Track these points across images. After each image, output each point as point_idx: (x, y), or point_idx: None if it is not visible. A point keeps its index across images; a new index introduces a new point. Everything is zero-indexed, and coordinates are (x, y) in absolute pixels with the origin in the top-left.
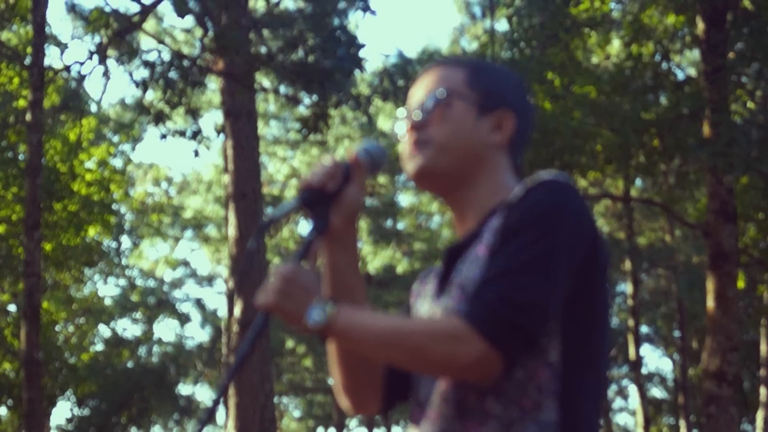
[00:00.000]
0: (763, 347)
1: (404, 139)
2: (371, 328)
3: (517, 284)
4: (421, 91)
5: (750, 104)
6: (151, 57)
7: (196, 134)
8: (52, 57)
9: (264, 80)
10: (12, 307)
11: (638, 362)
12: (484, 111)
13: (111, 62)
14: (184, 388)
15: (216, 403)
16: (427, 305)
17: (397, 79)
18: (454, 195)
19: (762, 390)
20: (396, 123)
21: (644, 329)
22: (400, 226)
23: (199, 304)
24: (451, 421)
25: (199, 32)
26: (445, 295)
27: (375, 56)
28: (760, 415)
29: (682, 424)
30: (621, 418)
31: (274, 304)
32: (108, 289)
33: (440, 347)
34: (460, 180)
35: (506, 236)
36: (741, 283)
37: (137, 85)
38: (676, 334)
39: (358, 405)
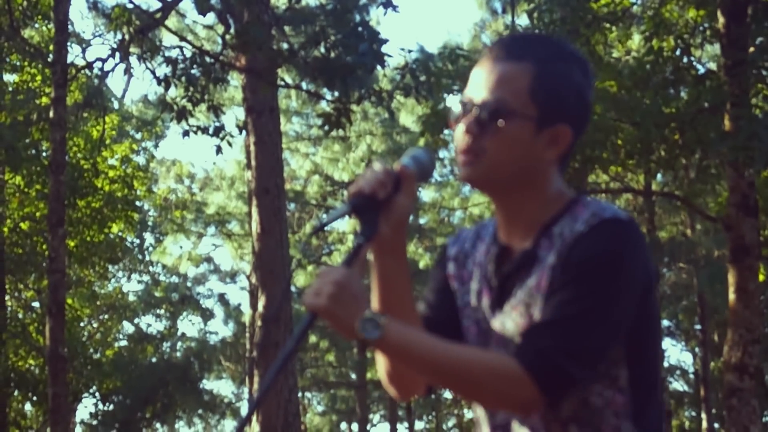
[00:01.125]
0: None
1: (457, 125)
2: (425, 351)
3: (572, 332)
4: (484, 85)
5: None
6: (173, 54)
7: (218, 131)
8: (74, 54)
9: (286, 76)
10: (36, 304)
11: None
12: (542, 126)
13: (133, 59)
14: (207, 384)
15: (259, 400)
16: (479, 311)
17: (418, 75)
18: (502, 200)
19: None
20: (452, 102)
21: (665, 323)
22: (423, 221)
23: (222, 299)
24: None
25: (220, 29)
26: (502, 313)
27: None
28: None
29: (704, 417)
30: None
31: (325, 309)
32: (132, 286)
33: (495, 386)
34: (511, 190)
35: (566, 278)
36: (762, 277)
37: (159, 82)
38: (698, 327)
39: (404, 392)
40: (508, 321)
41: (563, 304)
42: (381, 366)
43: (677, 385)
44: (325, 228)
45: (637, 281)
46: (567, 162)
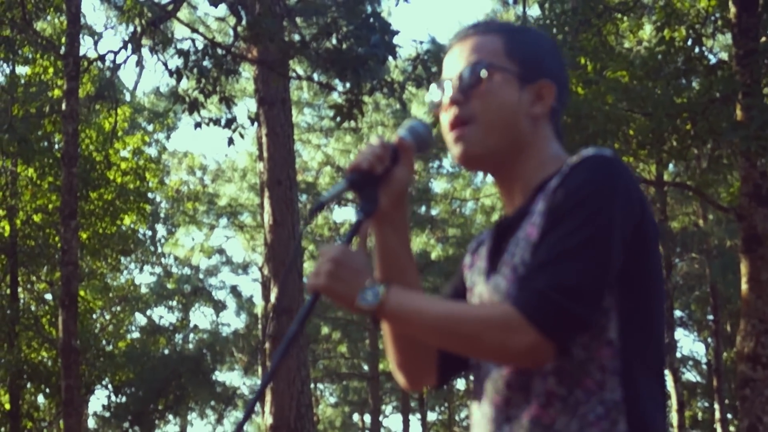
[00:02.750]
0: None
1: (443, 112)
2: (424, 312)
3: (566, 269)
4: (457, 61)
5: None
6: (185, 46)
7: (230, 122)
8: (86, 47)
9: (298, 68)
10: (49, 296)
11: (672, 346)
12: (524, 82)
13: (145, 51)
14: (220, 375)
15: (264, 383)
16: (479, 282)
17: (430, 66)
18: (500, 171)
19: None
20: (430, 92)
21: (678, 313)
22: (434, 212)
23: (234, 291)
24: (518, 405)
25: (232, 20)
26: (497, 275)
27: (408, 43)
28: None
29: (717, 407)
30: None
31: (324, 286)
32: (144, 277)
33: (493, 336)
34: (507, 156)
35: (554, 218)
36: None
37: (171, 73)
38: (710, 317)
39: (413, 381)
40: (500, 279)
41: (554, 242)
42: (391, 354)
43: (690, 375)
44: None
45: (626, 215)
46: (558, 121)
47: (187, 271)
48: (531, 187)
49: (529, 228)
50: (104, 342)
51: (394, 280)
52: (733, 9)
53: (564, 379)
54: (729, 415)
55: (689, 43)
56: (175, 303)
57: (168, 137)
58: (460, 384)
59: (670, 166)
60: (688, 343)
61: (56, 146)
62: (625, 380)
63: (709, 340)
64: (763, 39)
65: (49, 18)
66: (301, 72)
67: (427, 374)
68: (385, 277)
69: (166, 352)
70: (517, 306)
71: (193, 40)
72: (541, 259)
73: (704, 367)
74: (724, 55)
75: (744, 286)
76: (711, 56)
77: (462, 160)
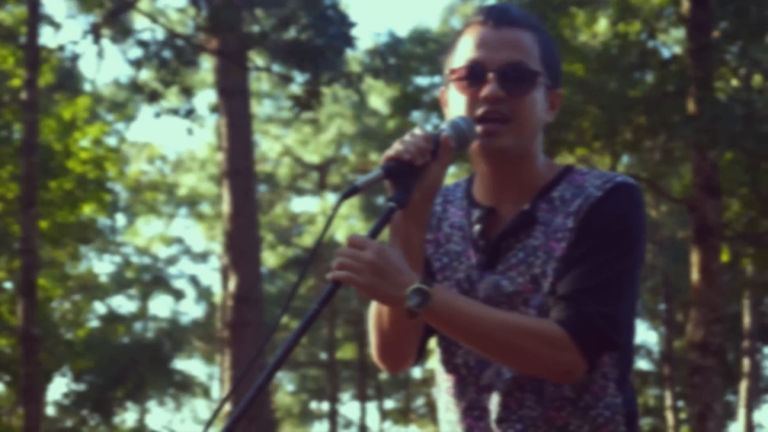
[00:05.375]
0: (746, 319)
1: (467, 92)
2: (472, 317)
3: (611, 299)
4: (500, 50)
5: (734, 82)
6: (145, 36)
7: (189, 113)
8: (46, 36)
9: (257, 59)
10: (8, 285)
11: None
12: (548, 90)
13: (105, 42)
14: (179, 363)
15: (279, 360)
16: (464, 271)
17: (387, 58)
18: (505, 167)
19: (745, 361)
20: (457, 60)
21: None
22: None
23: (193, 280)
24: (532, 407)
25: (192, 11)
26: (496, 274)
27: (366, 35)
28: (743, 386)
29: (668, 394)
30: None
31: (367, 285)
32: (103, 266)
33: (542, 352)
34: (519, 157)
35: (593, 242)
36: (725, 257)
37: (131, 64)
38: (662, 307)
39: (396, 366)
40: (504, 281)
41: (597, 269)
42: (374, 341)
43: (642, 363)
44: (355, 192)
45: (645, 243)
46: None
47: (146, 260)
48: (528, 189)
49: (551, 242)
50: (63, 330)
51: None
52: (686, 4)
53: (575, 385)
54: (680, 403)
55: (643, 37)
56: (134, 292)
57: (128, 127)
58: (417, 373)
59: (624, 158)
60: (640, 331)
61: (16, 136)
62: (619, 385)
63: (661, 329)
64: (716, 33)
65: (9, 8)
66: (260, 63)
67: (410, 357)
68: None
69: (126, 340)
70: (566, 327)
71: (153, 31)
72: (584, 283)
73: (656, 355)
74: (678, 50)
75: (695, 276)
76: (664, 50)
77: (489, 153)
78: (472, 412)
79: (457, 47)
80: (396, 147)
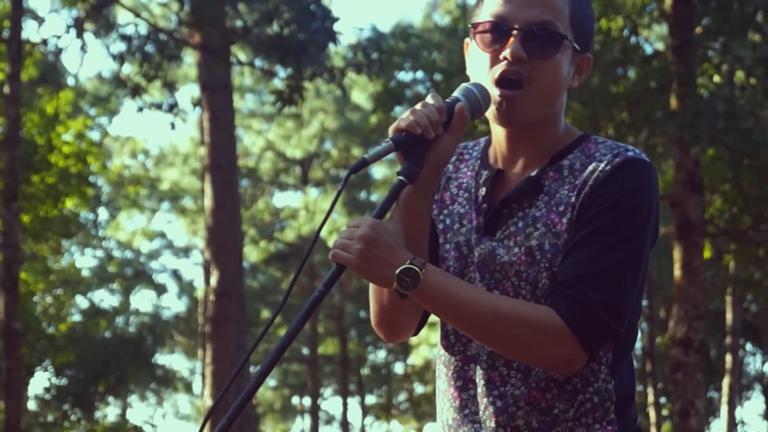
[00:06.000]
0: (728, 315)
1: (490, 50)
2: (464, 302)
3: (611, 287)
4: (526, 7)
5: (716, 78)
6: (128, 31)
7: (172, 107)
8: (29, 31)
9: (240, 53)
10: None
11: None
12: (576, 54)
13: (88, 36)
14: (161, 358)
15: (283, 346)
16: (463, 234)
17: (370, 53)
18: (519, 132)
19: (728, 357)
20: (482, 15)
21: None
22: (374, 197)
23: (175, 274)
24: (514, 385)
25: (175, 6)
26: (494, 240)
27: (349, 30)
28: (725, 382)
29: (650, 391)
30: None
31: (358, 265)
32: (85, 261)
33: (536, 341)
34: (537, 122)
35: (597, 224)
36: (707, 253)
37: (114, 58)
38: (644, 303)
39: (393, 335)
40: (500, 249)
41: (599, 253)
42: (372, 309)
43: None
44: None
45: (654, 224)
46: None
47: (128, 254)
48: (542, 155)
49: (552, 214)
50: (45, 324)
51: (416, 244)
52: (668, 0)
53: None
54: (662, 399)
55: (626, 33)
56: (116, 286)
57: (110, 121)
58: (399, 368)
59: None
60: None
61: None
62: (612, 370)
63: (644, 325)
64: (698, 29)
65: None
66: (243, 58)
67: (410, 328)
68: (408, 241)
69: (107, 334)
70: (563, 317)
71: (136, 26)
72: (584, 269)
73: (639, 351)
74: (660, 46)
75: (677, 273)
76: (647, 46)
77: (505, 121)
78: (457, 381)
79: (484, 1)
80: (407, 118)
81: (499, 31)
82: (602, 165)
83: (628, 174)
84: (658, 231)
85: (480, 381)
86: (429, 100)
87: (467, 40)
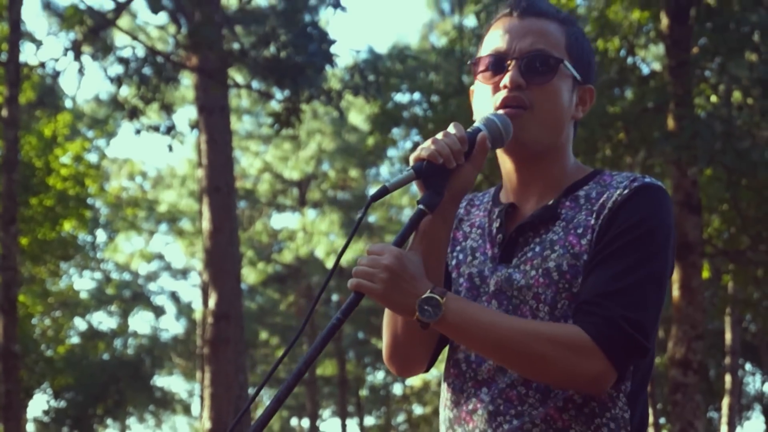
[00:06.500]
0: (727, 336)
1: (488, 80)
2: (487, 326)
3: (636, 302)
4: (522, 38)
5: (713, 98)
6: (126, 53)
7: (170, 129)
8: (27, 54)
9: (237, 76)
10: None
11: None
12: (576, 83)
13: (86, 58)
14: (159, 380)
15: (300, 371)
16: (476, 266)
17: (367, 75)
18: (531, 162)
19: (727, 377)
20: (486, 49)
21: None
22: (372, 219)
23: (173, 296)
24: (532, 405)
25: (172, 29)
26: (510, 267)
27: (346, 52)
28: (725, 402)
29: (650, 411)
30: None
31: (381, 295)
32: (84, 283)
33: (563, 359)
34: (545, 152)
35: (619, 244)
36: (706, 273)
37: (112, 81)
38: None
39: (405, 370)
40: (517, 274)
41: (622, 272)
42: (385, 342)
43: None
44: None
45: (673, 250)
46: (576, 130)
47: (126, 276)
48: (553, 188)
49: (570, 236)
50: (44, 347)
51: (434, 273)
52: (665, 21)
53: (585, 396)
54: (662, 420)
55: (622, 53)
56: (114, 308)
57: (108, 144)
58: (397, 389)
59: None
60: None
61: None
62: (630, 401)
63: None
64: (695, 50)
65: None
66: (240, 80)
67: (422, 363)
68: (426, 269)
69: (106, 357)
70: (589, 333)
71: (133, 48)
72: (608, 286)
73: None
74: (657, 66)
75: (675, 293)
76: (644, 67)
77: (513, 146)
78: (467, 405)
79: (484, 40)
80: (429, 147)
81: (497, 63)
82: (620, 189)
83: (647, 198)
84: (674, 259)
85: (495, 401)
86: (451, 129)
87: (472, 87)
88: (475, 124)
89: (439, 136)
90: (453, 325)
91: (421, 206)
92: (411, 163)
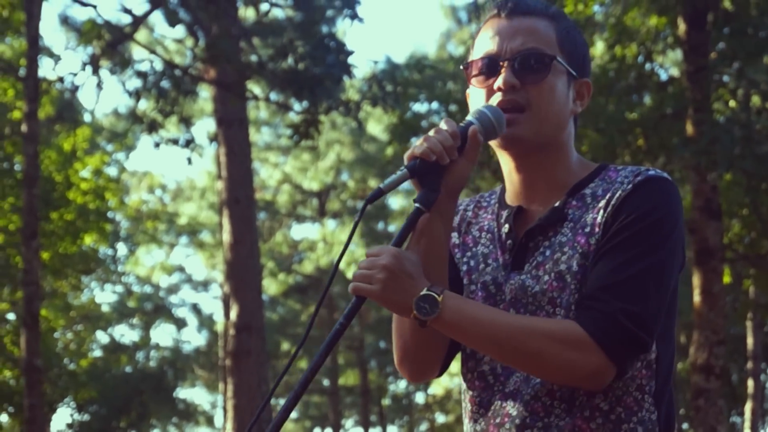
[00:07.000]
0: (749, 340)
1: (483, 84)
2: (485, 323)
3: (635, 295)
4: (512, 39)
5: (732, 103)
6: (144, 67)
7: (189, 142)
8: (46, 68)
9: (255, 88)
10: (11, 316)
11: None
12: (571, 78)
13: (104, 72)
14: (182, 392)
15: (307, 379)
16: (489, 273)
17: (385, 85)
18: (532, 162)
19: (749, 382)
20: (477, 53)
21: None
22: (392, 228)
23: (195, 308)
24: (558, 415)
25: (190, 42)
26: (523, 273)
27: (363, 62)
28: (748, 407)
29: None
30: None
31: (378, 295)
32: (105, 296)
33: (560, 354)
34: (546, 150)
35: (619, 237)
36: (727, 278)
37: (130, 94)
38: None
39: (417, 375)
40: (530, 280)
41: (621, 264)
42: (395, 347)
43: None
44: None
45: (681, 241)
46: (576, 125)
47: (147, 289)
48: (559, 187)
49: (578, 237)
50: (66, 361)
51: (435, 271)
52: (682, 26)
53: (608, 395)
54: (685, 425)
55: (640, 59)
56: (136, 321)
57: (127, 157)
58: (420, 398)
59: None
60: None
61: (17, 167)
62: (657, 400)
63: None
64: (713, 55)
65: (8, 41)
66: (258, 92)
67: (433, 367)
68: (427, 268)
69: (128, 369)
70: (586, 327)
71: (151, 62)
72: (607, 279)
73: None
74: (675, 72)
75: (696, 299)
76: (662, 73)
77: (509, 142)
78: (495, 419)
79: (475, 44)
80: (421, 145)
81: (489, 66)
82: (624, 185)
83: (650, 190)
84: (685, 253)
85: (520, 414)
86: (442, 125)
87: (468, 90)
88: (468, 118)
89: (431, 132)
90: (451, 322)
91: (417, 205)
92: (405, 162)
